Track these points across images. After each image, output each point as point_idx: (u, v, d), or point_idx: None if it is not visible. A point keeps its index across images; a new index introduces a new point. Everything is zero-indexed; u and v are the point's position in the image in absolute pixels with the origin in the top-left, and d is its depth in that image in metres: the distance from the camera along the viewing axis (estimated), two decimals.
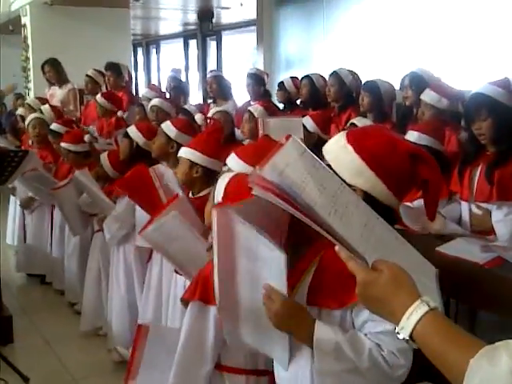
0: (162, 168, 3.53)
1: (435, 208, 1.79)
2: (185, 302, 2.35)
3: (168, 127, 3.80)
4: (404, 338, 1.20)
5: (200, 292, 2.26)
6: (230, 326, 1.88)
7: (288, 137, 1.42)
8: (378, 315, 1.30)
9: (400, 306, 1.21)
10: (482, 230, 3.08)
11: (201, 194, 3.18)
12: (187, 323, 2.32)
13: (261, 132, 4.02)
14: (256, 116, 4.74)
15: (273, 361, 2.06)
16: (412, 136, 3.40)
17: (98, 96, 6.32)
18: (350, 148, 1.68)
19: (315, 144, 4.16)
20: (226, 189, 2.30)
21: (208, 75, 7.08)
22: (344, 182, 1.56)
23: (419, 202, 3.28)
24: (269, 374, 2.39)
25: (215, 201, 2.33)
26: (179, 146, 3.59)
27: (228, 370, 2.35)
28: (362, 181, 1.66)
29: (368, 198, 1.63)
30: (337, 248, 1.33)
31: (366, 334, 1.66)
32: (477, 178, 3.14)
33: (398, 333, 1.21)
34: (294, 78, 6.44)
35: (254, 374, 2.37)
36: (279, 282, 1.62)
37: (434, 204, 1.78)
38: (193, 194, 3.24)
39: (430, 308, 1.19)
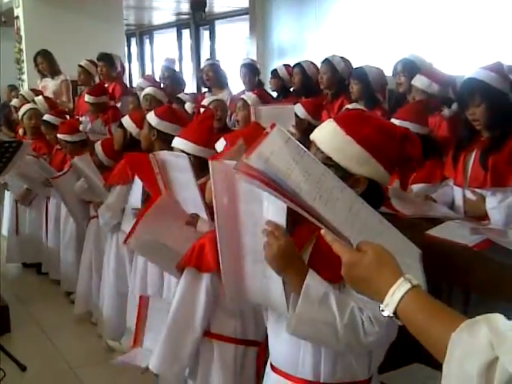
0: (168, 155, 3.39)
1: (408, 179, 1.89)
2: (180, 268, 2.43)
3: (150, 116, 3.82)
4: (389, 315, 1.23)
5: (195, 260, 2.35)
6: (233, 288, 1.89)
7: (273, 125, 1.44)
8: (364, 295, 1.33)
9: (384, 285, 1.24)
10: (476, 216, 3.07)
11: (201, 181, 3.17)
12: (180, 289, 2.40)
13: (253, 119, 4.05)
14: (250, 104, 4.76)
15: (264, 332, 2.12)
16: None
17: (86, 96, 6.22)
18: (349, 138, 1.73)
19: (306, 130, 4.18)
20: None
21: (204, 63, 7.05)
22: (346, 171, 1.70)
23: (415, 187, 3.33)
24: (258, 344, 2.47)
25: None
26: (160, 133, 3.64)
27: (217, 338, 2.43)
28: (367, 169, 1.73)
29: (371, 184, 1.74)
30: (322, 231, 1.37)
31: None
32: (471, 164, 3.13)
33: (382, 310, 1.24)
34: (287, 66, 6.43)
35: (243, 343, 2.45)
36: (280, 219, 1.64)
37: (408, 176, 1.89)
38: None
39: (413, 285, 1.22)
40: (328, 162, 1.72)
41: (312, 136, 1.82)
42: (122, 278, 3.99)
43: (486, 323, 1.08)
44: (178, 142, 3.26)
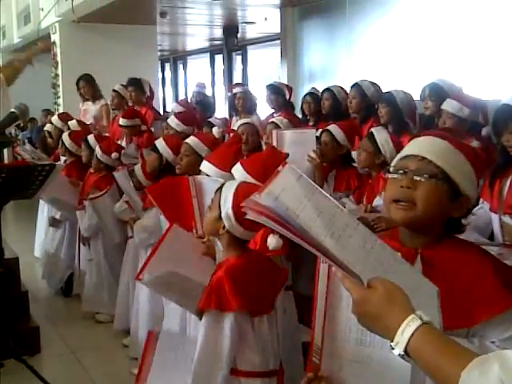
0: (207, 179, 3.39)
1: None
2: (200, 311, 2.38)
3: (198, 145, 3.82)
4: (400, 354, 1.20)
5: (215, 300, 2.30)
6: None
7: (284, 164, 1.45)
8: (374, 332, 1.30)
9: (394, 322, 1.22)
10: None
11: None
12: (203, 331, 2.35)
13: (275, 144, 4.03)
14: (282, 127, 4.75)
15: (279, 359, 2.16)
16: None
17: (121, 119, 6.36)
18: (462, 156, 1.70)
19: (340, 157, 4.17)
20: (234, 198, 2.36)
21: (236, 89, 7.07)
22: (459, 189, 1.66)
23: None
24: (277, 373, 2.46)
25: (224, 209, 2.39)
26: None
27: (244, 375, 2.39)
28: (472, 190, 1.71)
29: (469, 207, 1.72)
30: (333, 269, 1.36)
31: (493, 342, 1.61)
32: (506, 190, 3.09)
33: (393, 348, 1.21)
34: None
35: (267, 375, 2.43)
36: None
37: None
38: None
39: (423, 322, 1.20)
40: (443, 176, 1.66)
41: (415, 150, 1.72)
42: (156, 299, 3.95)
43: (497, 360, 1.06)
44: (204, 166, 3.28)
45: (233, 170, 2.89)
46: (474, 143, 3.76)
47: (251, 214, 1.35)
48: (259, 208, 1.34)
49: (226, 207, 2.39)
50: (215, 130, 4.49)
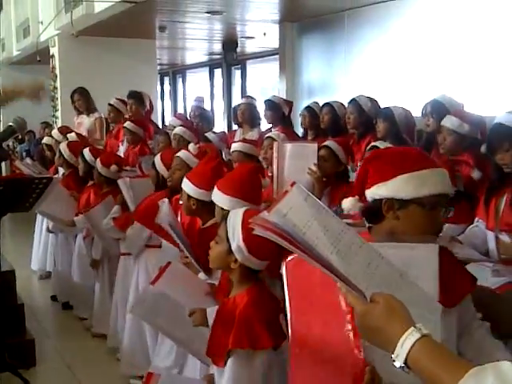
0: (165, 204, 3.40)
1: None
2: (218, 353, 2.27)
3: (189, 158, 3.81)
4: (400, 366, 1.24)
5: (247, 339, 2.22)
6: None
7: (293, 184, 1.48)
8: (376, 345, 1.34)
9: (394, 335, 1.26)
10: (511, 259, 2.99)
11: (207, 225, 3.14)
12: (236, 373, 2.25)
13: (275, 156, 4.03)
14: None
15: None
16: None
17: (128, 122, 6.38)
18: None
19: (338, 174, 4.12)
20: (244, 229, 2.26)
21: (242, 101, 7.05)
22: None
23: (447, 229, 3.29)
24: None
25: (234, 242, 2.29)
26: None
27: None
28: None
29: None
30: (338, 284, 1.39)
31: None
32: (502, 207, 3.10)
33: (394, 360, 1.25)
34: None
35: None
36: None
37: None
38: (203, 225, 3.23)
39: (423, 335, 1.23)
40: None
41: (446, 188, 1.94)
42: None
43: (493, 371, 1.08)
44: (184, 183, 3.25)
45: (212, 196, 2.88)
46: (476, 173, 3.76)
47: (258, 230, 1.37)
48: (266, 224, 1.37)
49: (236, 240, 2.29)
50: (191, 147, 4.35)
